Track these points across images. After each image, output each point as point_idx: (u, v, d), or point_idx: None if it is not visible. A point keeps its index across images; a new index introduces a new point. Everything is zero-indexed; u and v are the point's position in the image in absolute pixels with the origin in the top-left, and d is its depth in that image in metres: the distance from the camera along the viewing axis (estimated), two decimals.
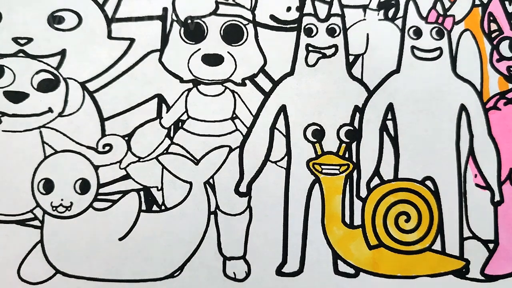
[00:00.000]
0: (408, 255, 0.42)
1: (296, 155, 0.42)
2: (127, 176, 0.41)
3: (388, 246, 0.42)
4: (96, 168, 0.41)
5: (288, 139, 0.43)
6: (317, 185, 0.42)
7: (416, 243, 0.42)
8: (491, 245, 0.42)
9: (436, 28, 0.44)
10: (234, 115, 0.43)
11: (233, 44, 0.43)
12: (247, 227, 0.41)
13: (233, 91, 0.43)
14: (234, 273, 0.41)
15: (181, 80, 0.43)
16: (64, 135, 0.42)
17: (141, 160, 0.42)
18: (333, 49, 0.44)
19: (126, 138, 0.42)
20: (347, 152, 0.43)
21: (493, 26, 0.45)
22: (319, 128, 0.43)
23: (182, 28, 0.43)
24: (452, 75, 0.44)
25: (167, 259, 0.41)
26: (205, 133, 0.42)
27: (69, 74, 0.42)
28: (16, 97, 0.41)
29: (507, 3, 0.45)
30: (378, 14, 0.44)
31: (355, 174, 0.42)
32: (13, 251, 0.40)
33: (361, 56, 0.44)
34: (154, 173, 0.42)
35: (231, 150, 0.42)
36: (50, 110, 0.42)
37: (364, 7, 0.44)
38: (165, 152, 0.42)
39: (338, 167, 0.42)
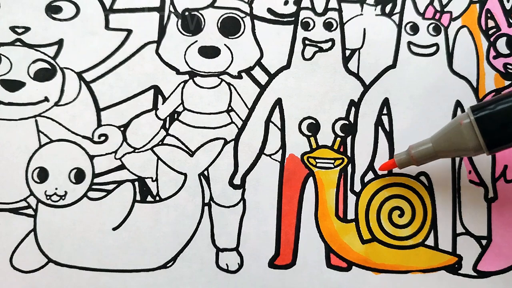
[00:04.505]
0: (401, 250, 0.42)
1: (291, 148, 0.42)
2: (122, 167, 0.42)
3: (381, 240, 0.42)
4: (91, 158, 0.41)
5: (283, 133, 0.43)
6: (311, 179, 0.42)
7: (409, 238, 0.42)
8: (484, 241, 0.42)
9: (433, 24, 0.44)
10: (230, 108, 0.43)
11: (230, 37, 0.43)
12: (240, 219, 0.41)
13: (229, 84, 0.43)
14: (227, 264, 0.41)
15: (178, 72, 0.43)
16: (60, 124, 0.42)
17: (136, 150, 0.42)
18: (329, 43, 0.44)
19: (122, 129, 0.42)
20: (342, 146, 0.43)
21: (490, 23, 0.45)
22: (314, 122, 0.43)
23: (179, 20, 0.43)
24: (448, 71, 0.44)
25: (161, 249, 0.41)
26: (200, 125, 0.42)
27: (66, 64, 0.42)
28: (13, 85, 0.41)
29: (504, 0, 0.45)
30: (375, 9, 0.44)
31: (349, 168, 0.42)
32: (6, 240, 0.40)
33: (357, 51, 0.44)
34: (149, 164, 0.42)
35: (226, 142, 0.42)
36: (46, 99, 0.42)
37: (362, 2, 0.44)
38: (160, 143, 0.42)
39: (332, 161, 0.42)
